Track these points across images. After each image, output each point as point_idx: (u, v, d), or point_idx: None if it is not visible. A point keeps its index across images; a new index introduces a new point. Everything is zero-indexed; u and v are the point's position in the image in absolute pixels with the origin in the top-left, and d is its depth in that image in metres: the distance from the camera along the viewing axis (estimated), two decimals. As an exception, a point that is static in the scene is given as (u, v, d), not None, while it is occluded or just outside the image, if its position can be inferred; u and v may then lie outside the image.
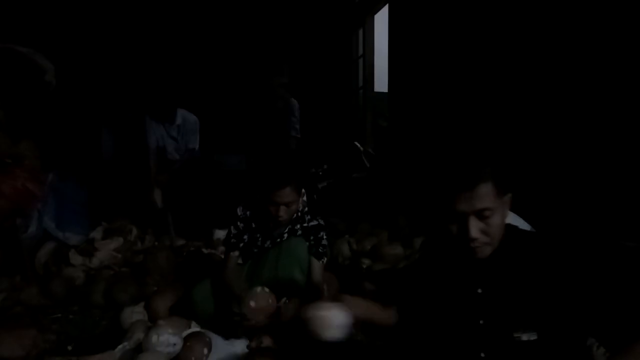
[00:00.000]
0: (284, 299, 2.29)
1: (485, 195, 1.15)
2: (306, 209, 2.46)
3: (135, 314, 2.39)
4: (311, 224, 2.39)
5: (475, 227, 1.17)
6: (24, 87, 3.11)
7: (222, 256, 2.65)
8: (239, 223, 2.39)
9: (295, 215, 2.35)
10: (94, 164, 4.69)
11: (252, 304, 2.05)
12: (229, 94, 6.54)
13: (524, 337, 1.17)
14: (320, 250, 2.35)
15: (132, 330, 2.12)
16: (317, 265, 2.33)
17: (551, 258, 1.20)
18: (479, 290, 1.26)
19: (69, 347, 1.99)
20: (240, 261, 2.45)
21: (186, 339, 1.92)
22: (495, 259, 1.24)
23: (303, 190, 2.37)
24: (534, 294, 1.18)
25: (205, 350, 1.89)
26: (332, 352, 2.00)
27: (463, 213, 1.16)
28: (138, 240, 3.74)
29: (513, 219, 2.08)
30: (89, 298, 2.75)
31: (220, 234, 4.00)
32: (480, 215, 1.17)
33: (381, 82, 6.14)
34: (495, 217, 1.17)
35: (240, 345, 2.05)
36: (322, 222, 2.43)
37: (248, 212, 2.39)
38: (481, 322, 1.24)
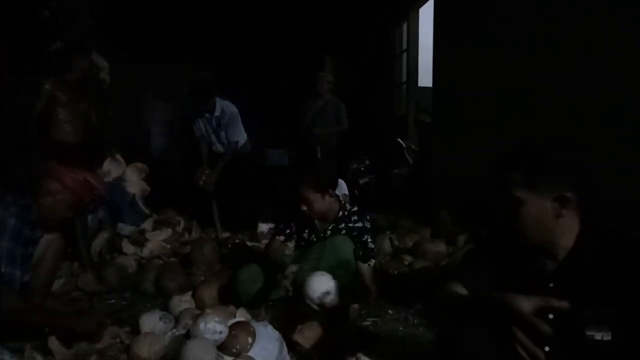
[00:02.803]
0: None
1: None
2: (355, 208, 2.45)
3: (183, 302, 2.48)
4: (356, 224, 2.37)
5: None
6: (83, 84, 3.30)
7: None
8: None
9: (340, 213, 2.38)
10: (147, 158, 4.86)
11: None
12: (272, 88, 6.62)
13: (597, 337, 1.13)
14: (366, 253, 2.35)
15: (181, 318, 2.21)
16: (365, 270, 2.34)
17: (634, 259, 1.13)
18: (551, 285, 1.22)
19: None
20: (288, 252, 2.50)
21: (231, 328, 1.98)
22: (573, 255, 1.20)
23: (345, 192, 2.38)
24: (612, 294, 1.12)
25: (250, 340, 1.94)
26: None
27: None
28: (185, 231, 3.88)
29: None
30: (140, 286, 2.88)
31: (264, 227, 4.08)
32: None
33: (425, 77, 6.06)
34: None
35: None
36: (367, 224, 2.40)
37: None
38: (550, 316, 1.15)
